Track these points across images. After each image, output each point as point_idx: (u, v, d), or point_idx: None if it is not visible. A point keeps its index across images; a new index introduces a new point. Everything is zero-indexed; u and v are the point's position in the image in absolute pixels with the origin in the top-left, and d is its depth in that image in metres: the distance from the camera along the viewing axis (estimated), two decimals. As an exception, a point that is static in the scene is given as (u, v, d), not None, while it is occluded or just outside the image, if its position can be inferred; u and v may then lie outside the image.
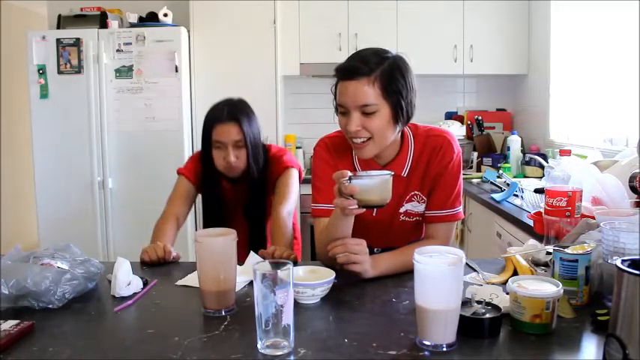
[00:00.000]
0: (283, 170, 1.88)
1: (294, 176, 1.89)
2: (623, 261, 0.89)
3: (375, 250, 1.59)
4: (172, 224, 1.83)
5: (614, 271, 0.90)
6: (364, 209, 1.25)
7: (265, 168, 1.90)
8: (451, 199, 1.47)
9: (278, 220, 1.74)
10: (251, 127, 1.83)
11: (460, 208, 1.50)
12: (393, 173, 1.26)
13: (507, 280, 1.08)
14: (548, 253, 1.34)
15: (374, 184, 1.22)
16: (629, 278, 0.85)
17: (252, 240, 1.88)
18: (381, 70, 1.33)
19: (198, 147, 3.61)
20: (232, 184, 1.92)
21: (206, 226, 1.93)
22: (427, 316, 0.97)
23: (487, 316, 1.02)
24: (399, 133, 1.46)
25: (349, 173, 1.22)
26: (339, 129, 1.57)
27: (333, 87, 1.41)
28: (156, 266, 1.52)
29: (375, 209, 1.49)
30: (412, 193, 1.49)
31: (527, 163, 3.45)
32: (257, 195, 1.90)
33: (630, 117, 2.69)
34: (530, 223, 2.08)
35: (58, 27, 3.70)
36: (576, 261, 1.15)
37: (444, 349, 0.96)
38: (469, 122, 4.03)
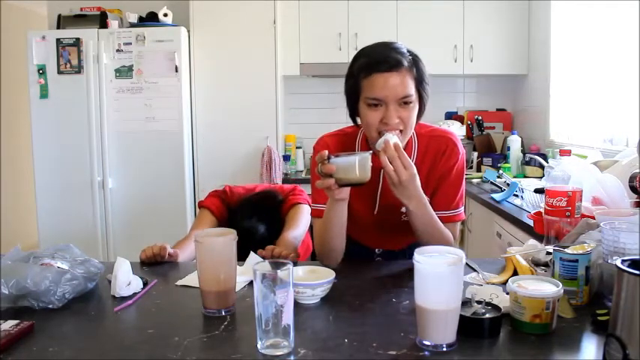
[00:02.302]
0: (291, 207, 1.88)
1: (302, 210, 1.87)
2: (623, 261, 0.89)
3: (377, 250, 1.59)
4: (190, 241, 1.71)
5: (614, 271, 0.90)
6: (345, 187, 1.26)
7: (279, 208, 1.90)
8: (456, 200, 1.47)
9: (281, 239, 1.69)
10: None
11: (462, 209, 1.50)
12: (371, 152, 1.26)
13: (507, 280, 1.08)
14: (548, 253, 1.34)
15: (352, 163, 1.23)
16: (629, 278, 0.85)
17: None
18: (412, 61, 1.36)
19: (198, 147, 3.65)
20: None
21: None
22: (427, 316, 0.97)
23: (487, 316, 1.02)
24: None
25: (327, 153, 1.23)
26: (339, 128, 1.57)
27: (351, 82, 1.38)
28: (156, 266, 1.52)
29: (376, 209, 1.49)
30: None
31: (527, 163, 3.45)
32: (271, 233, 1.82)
33: (630, 117, 2.69)
34: (530, 223, 2.08)
35: (58, 27, 3.70)
36: (576, 261, 1.15)
37: (444, 349, 0.96)
38: (469, 122, 4.03)
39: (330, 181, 1.23)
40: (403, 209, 1.51)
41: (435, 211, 1.48)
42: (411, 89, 1.34)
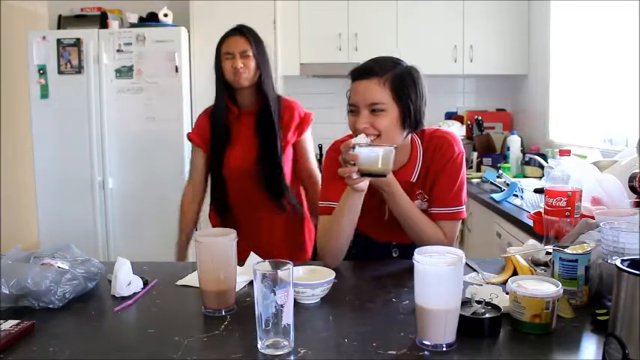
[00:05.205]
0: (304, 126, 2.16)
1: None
2: (622, 261, 0.89)
3: (393, 243, 1.60)
4: (193, 201, 2.18)
5: (613, 271, 0.90)
6: (366, 178, 1.31)
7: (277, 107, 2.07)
8: (451, 195, 1.48)
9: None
10: (257, 44, 2.03)
11: (463, 207, 1.51)
12: (395, 146, 1.31)
13: (507, 280, 1.09)
14: (548, 253, 1.34)
15: (376, 154, 1.28)
16: (628, 278, 0.85)
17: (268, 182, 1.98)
18: (393, 74, 1.40)
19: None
20: (241, 109, 2.13)
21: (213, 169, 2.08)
22: (427, 316, 0.97)
23: (487, 316, 1.02)
24: (409, 141, 1.50)
25: (353, 142, 1.28)
26: (348, 132, 1.58)
27: (349, 92, 1.46)
28: (156, 266, 1.52)
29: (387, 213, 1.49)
30: (417, 192, 1.51)
31: (527, 163, 3.45)
32: (269, 121, 2.06)
33: (630, 117, 2.69)
34: (530, 223, 2.08)
35: (59, 27, 3.71)
36: (576, 261, 1.15)
37: (444, 349, 0.97)
38: (469, 122, 4.03)
39: (353, 168, 1.28)
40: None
41: (432, 207, 1.50)
42: (380, 97, 1.38)
